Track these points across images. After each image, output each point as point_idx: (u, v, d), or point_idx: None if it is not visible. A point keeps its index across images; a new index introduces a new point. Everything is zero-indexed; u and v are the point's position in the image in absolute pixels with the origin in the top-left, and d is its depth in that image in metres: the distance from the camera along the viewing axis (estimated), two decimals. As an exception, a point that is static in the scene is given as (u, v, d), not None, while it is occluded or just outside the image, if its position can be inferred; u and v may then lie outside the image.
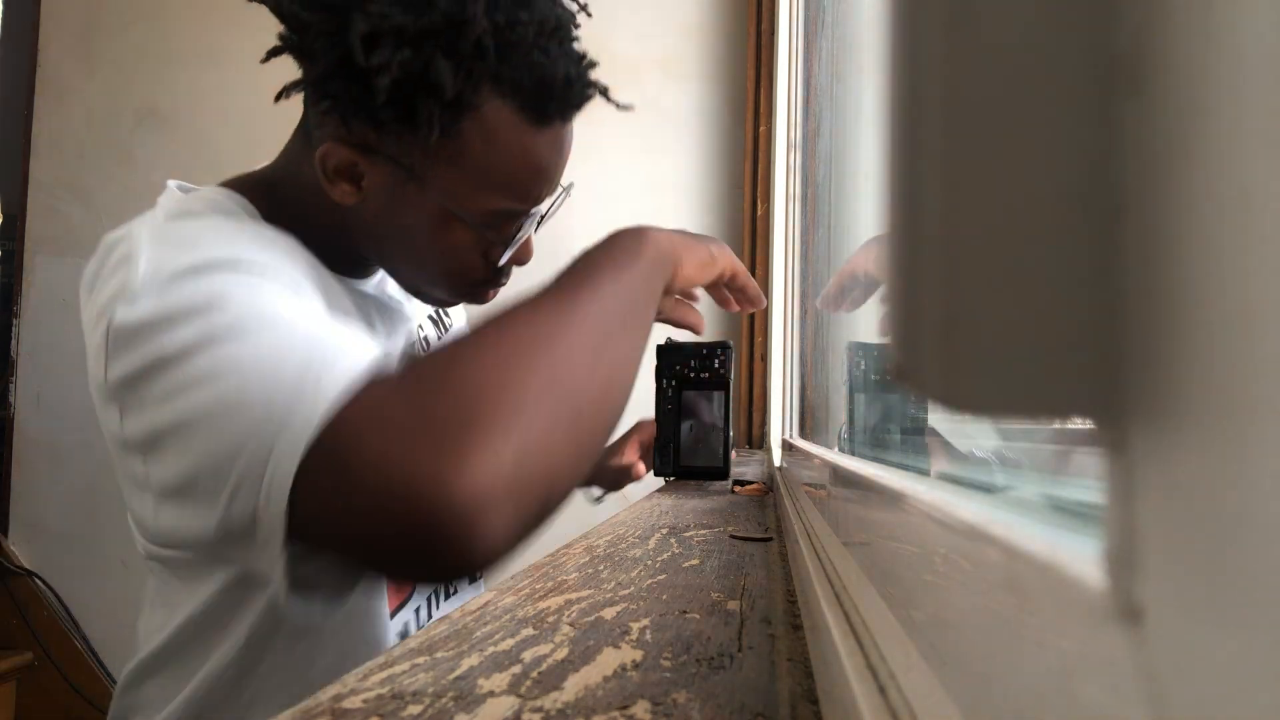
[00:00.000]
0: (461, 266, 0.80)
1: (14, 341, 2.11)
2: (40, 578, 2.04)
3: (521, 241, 0.82)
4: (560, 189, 0.83)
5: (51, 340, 2.09)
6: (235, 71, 2.06)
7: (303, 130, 0.79)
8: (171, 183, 0.80)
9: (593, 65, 0.76)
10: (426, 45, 0.67)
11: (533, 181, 0.76)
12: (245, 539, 0.57)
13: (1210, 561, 0.09)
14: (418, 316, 0.96)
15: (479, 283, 0.84)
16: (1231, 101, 0.09)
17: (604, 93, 0.77)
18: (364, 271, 0.87)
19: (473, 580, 0.54)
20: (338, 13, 0.68)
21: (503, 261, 0.82)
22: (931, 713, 0.18)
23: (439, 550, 0.50)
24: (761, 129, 1.88)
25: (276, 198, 0.78)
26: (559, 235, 1.88)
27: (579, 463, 0.58)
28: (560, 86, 0.72)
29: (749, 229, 1.87)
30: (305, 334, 0.60)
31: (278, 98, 0.75)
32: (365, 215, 0.77)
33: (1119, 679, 0.10)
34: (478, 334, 0.58)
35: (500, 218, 0.78)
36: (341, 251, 0.81)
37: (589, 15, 0.79)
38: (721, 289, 0.82)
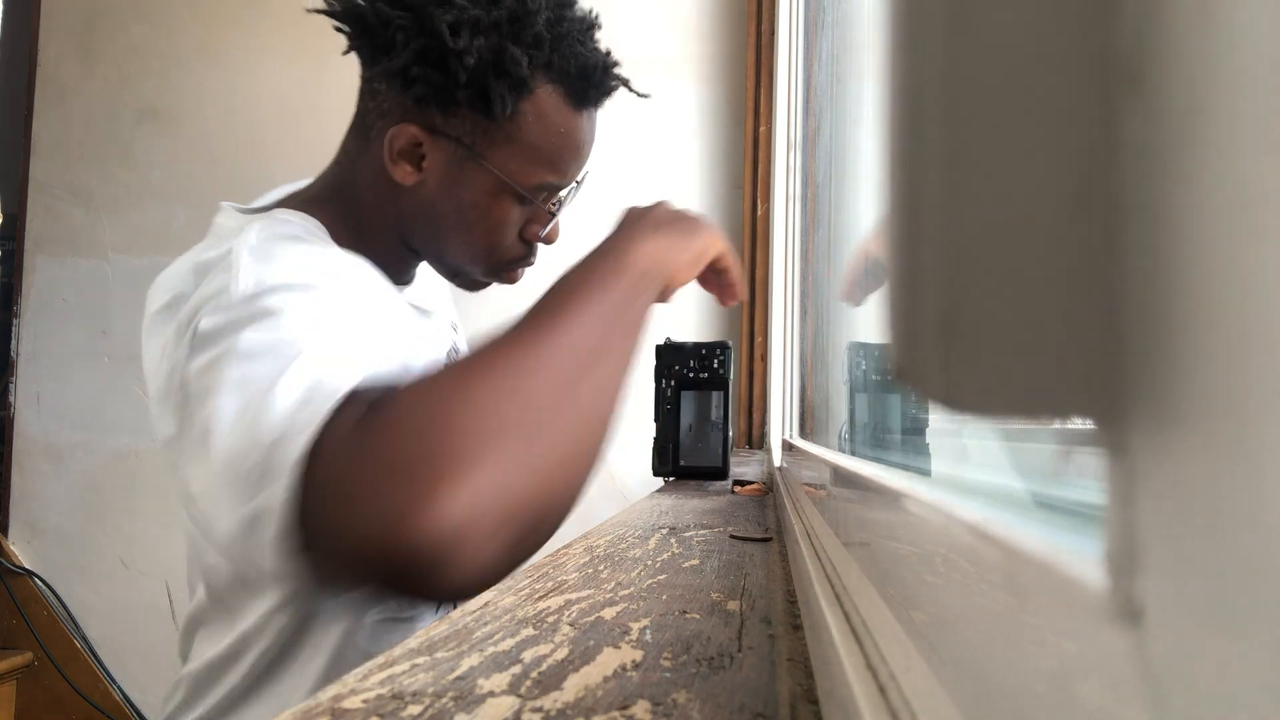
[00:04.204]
0: (502, 241, 0.87)
1: (14, 341, 2.11)
2: (40, 578, 2.03)
3: (556, 221, 0.90)
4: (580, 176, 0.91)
5: (51, 340, 2.09)
6: (235, 71, 2.06)
7: (359, 134, 0.84)
8: (227, 204, 0.85)
9: (616, 62, 0.86)
10: (497, 34, 0.77)
11: (573, 158, 0.85)
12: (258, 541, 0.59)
13: (1210, 561, 0.09)
14: (447, 318, 1.02)
15: (513, 260, 0.90)
16: (1231, 101, 0.09)
17: (626, 84, 0.87)
18: (406, 277, 0.92)
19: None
20: (418, 9, 0.76)
21: (543, 234, 0.88)
22: (931, 713, 0.18)
23: (421, 581, 0.52)
24: (761, 129, 1.88)
25: (339, 211, 0.83)
26: (562, 234, 1.88)
27: (567, 488, 0.59)
28: (598, 74, 0.83)
29: (749, 229, 1.87)
30: (315, 360, 0.62)
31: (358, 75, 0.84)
32: (422, 194, 0.83)
33: (1119, 679, 0.10)
34: (451, 370, 0.59)
35: (544, 190, 0.85)
36: (392, 255, 0.87)
37: (599, 24, 0.89)
38: (705, 272, 0.82)
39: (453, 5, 0.76)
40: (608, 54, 0.86)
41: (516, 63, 0.77)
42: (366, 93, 0.85)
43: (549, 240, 0.91)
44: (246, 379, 0.60)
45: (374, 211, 0.85)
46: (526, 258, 0.91)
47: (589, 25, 0.84)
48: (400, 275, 0.91)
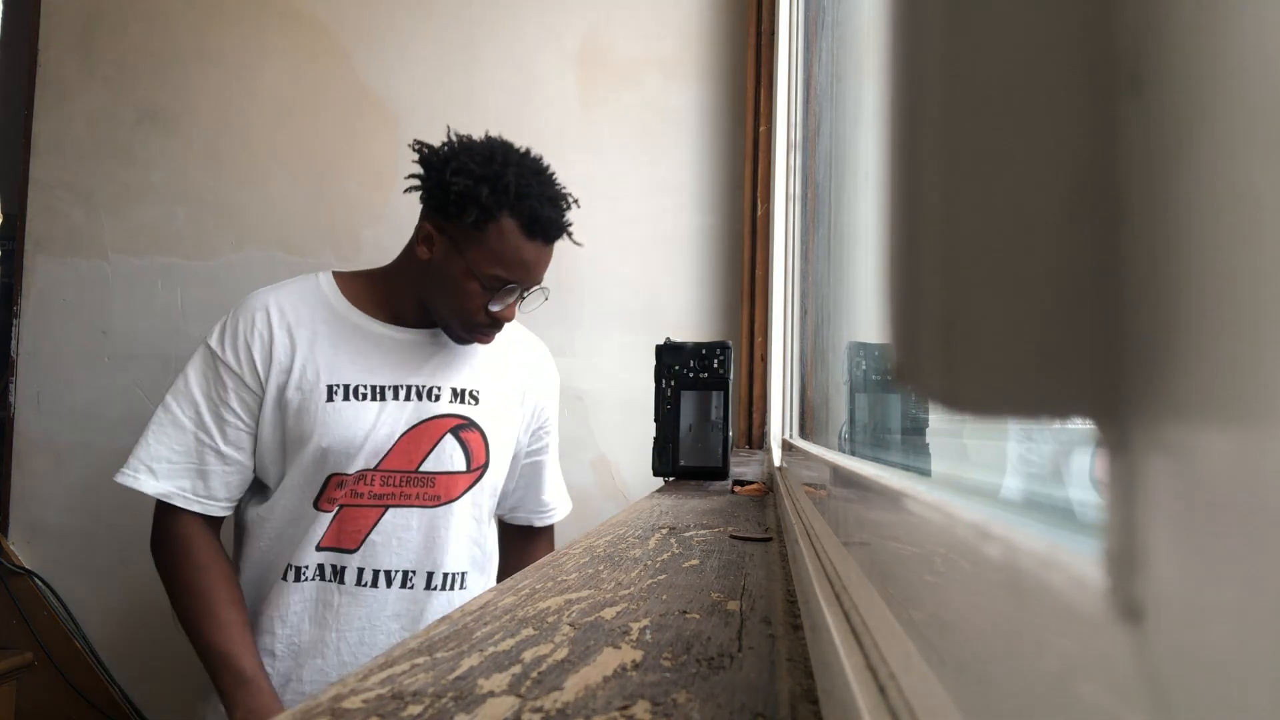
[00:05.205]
0: (472, 309, 1.33)
1: (14, 341, 2.11)
2: (40, 578, 2.03)
3: (507, 304, 1.35)
4: (543, 288, 1.39)
5: (51, 340, 2.09)
6: (235, 71, 2.06)
7: (409, 244, 1.40)
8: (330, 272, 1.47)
9: (570, 207, 1.37)
10: (479, 180, 1.29)
11: (520, 266, 1.33)
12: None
13: (1211, 561, 0.09)
14: (444, 380, 1.42)
15: (480, 326, 1.36)
16: (1231, 101, 0.09)
17: (569, 235, 1.38)
18: (413, 321, 1.41)
19: None
20: (442, 159, 1.33)
21: (494, 309, 1.34)
22: (931, 713, 0.18)
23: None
24: (761, 129, 1.88)
25: (380, 280, 1.43)
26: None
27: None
28: (544, 222, 1.31)
29: (749, 229, 1.87)
30: (173, 439, 1.35)
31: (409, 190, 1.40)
32: (429, 268, 1.36)
33: (1119, 679, 0.10)
34: (203, 606, 1.30)
35: (497, 281, 1.32)
36: (409, 307, 1.40)
37: (578, 205, 1.42)
38: None
39: (457, 159, 1.31)
40: (564, 206, 1.35)
41: (486, 198, 1.28)
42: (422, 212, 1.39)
43: (503, 317, 1.35)
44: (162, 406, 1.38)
45: (406, 277, 1.39)
46: (490, 327, 1.37)
47: (552, 193, 1.34)
48: (413, 320, 1.41)
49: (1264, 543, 0.08)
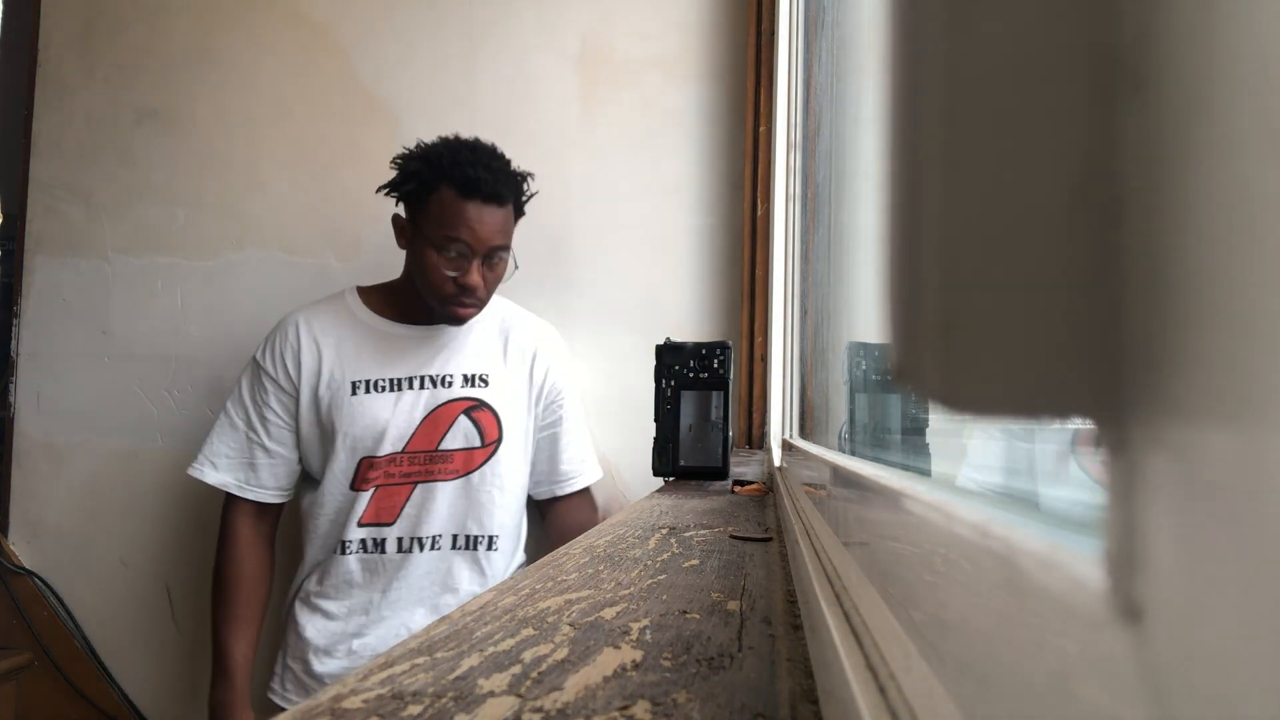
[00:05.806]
0: (438, 278, 1.50)
1: (14, 341, 2.11)
2: (40, 578, 2.03)
3: (466, 270, 1.50)
4: (513, 259, 1.57)
5: (51, 340, 2.09)
6: (235, 71, 2.06)
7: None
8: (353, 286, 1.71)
9: (525, 183, 1.58)
10: (417, 160, 1.52)
11: (464, 225, 1.49)
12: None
13: (1211, 561, 0.09)
14: (456, 367, 1.61)
15: (451, 296, 1.51)
16: (1231, 101, 0.09)
17: (505, 199, 1.53)
18: (420, 318, 1.61)
19: None
20: (397, 159, 1.56)
21: (450, 274, 1.50)
22: (931, 713, 0.18)
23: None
24: (761, 129, 1.88)
25: (392, 288, 1.65)
26: (562, 234, 1.87)
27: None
28: (474, 183, 1.47)
29: (749, 229, 1.87)
30: (231, 436, 1.63)
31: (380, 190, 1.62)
32: (408, 252, 1.57)
33: (1119, 679, 0.10)
34: (223, 591, 1.62)
35: (447, 241, 1.49)
36: (414, 300, 1.59)
37: (533, 185, 1.63)
38: None
39: (407, 150, 1.55)
40: (498, 176, 1.50)
41: (423, 172, 1.49)
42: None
43: (465, 283, 1.50)
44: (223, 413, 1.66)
45: (408, 279, 1.59)
46: (461, 295, 1.51)
47: (492, 168, 1.50)
48: (424, 318, 1.61)
49: (1264, 543, 0.08)
